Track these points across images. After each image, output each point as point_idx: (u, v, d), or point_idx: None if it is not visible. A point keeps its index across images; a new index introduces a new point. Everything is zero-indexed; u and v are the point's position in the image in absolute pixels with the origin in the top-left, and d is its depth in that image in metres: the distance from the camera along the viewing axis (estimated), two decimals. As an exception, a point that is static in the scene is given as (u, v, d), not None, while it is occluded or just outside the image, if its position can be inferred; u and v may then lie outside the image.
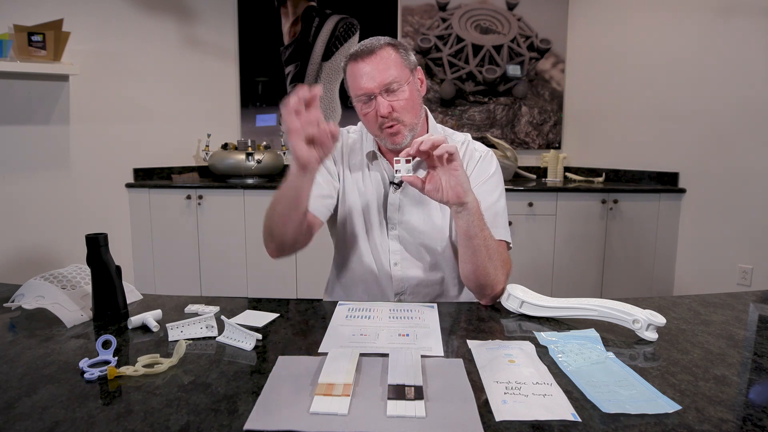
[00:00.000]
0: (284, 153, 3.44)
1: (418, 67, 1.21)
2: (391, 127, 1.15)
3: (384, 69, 1.12)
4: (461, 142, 1.29)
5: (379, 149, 1.27)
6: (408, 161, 0.98)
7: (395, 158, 0.99)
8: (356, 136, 1.32)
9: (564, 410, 0.68)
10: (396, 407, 0.68)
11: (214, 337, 0.93)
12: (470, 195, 1.01)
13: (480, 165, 1.25)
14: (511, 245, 1.23)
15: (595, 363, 0.82)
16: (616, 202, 2.97)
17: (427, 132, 1.26)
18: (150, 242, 3.15)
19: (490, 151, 1.29)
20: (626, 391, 0.73)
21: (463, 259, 1.10)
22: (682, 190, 2.99)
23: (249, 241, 3.11)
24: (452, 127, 3.66)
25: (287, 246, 1.15)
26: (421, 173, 1.04)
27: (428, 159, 0.99)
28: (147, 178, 3.28)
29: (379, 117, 1.13)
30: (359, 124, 1.32)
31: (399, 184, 1.25)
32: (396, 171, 0.98)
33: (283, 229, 1.09)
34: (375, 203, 1.26)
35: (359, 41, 1.38)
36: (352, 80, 1.15)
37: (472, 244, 1.06)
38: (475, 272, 1.09)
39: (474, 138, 1.33)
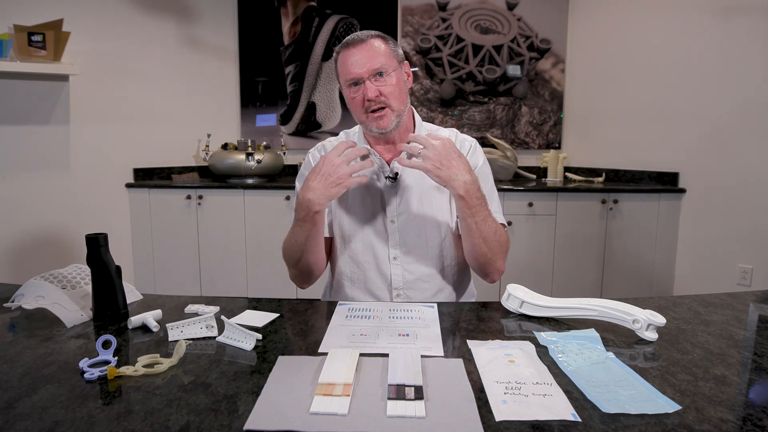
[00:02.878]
0: (284, 153, 3.44)
1: (406, 62, 1.26)
2: (378, 111, 1.19)
3: (373, 56, 1.16)
4: (447, 134, 1.33)
5: (368, 143, 1.29)
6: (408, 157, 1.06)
7: (397, 159, 1.05)
8: (337, 143, 1.34)
9: (564, 410, 0.68)
10: (396, 407, 0.68)
11: (214, 337, 0.93)
12: (471, 174, 1.11)
13: (471, 154, 1.30)
14: (506, 226, 1.30)
15: (595, 363, 0.82)
16: (616, 202, 2.97)
17: (414, 129, 1.31)
18: (150, 242, 3.15)
19: (476, 141, 1.36)
20: (626, 391, 0.73)
21: (464, 236, 1.21)
22: (682, 190, 2.99)
23: (249, 241, 3.11)
24: (452, 127, 3.64)
25: (316, 273, 1.29)
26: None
27: None
28: (147, 178, 3.28)
29: (366, 101, 1.17)
30: (342, 133, 1.37)
31: (394, 177, 1.26)
32: (396, 168, 1.07)
33: (313, 260, 1.23)
34: (370, 199, 1.27)
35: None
36: (342, 66, 1.19)
37: (471, 224, 1.15)
38: (479, 254, 1.19)
39: (474, 138, 1.37)
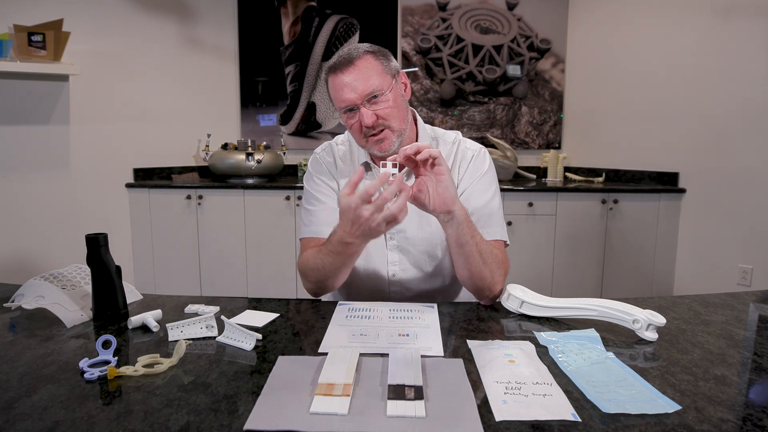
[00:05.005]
0: (284, 153, 3.44)
1: (401, 72, 1.19)
2: (378, 134, 1.13)
3: (365, 79, 1.09)
4: (452, 141, 1.26)
5: (371, 159, 1.25)
6: (394, 165, 0.94)
7: (381, 162, 0.95)
8: (345, 147, 1.30)
9: (564, 410, 0.68)
10: (396, 407, 0.68)
11: (214, 337, 0.93)
12: (457, 203, 1.00)
13: (473, 164, 1.23)
14: (508, 243, 1.22)
15: (595, 363, 0.82)
16: (616, 202, 2.97)
17: (417, 134, 1.25)
18: (150, 242, 3.15)
19: (483, 148, 1.27)
20: (626, 391, 0.73)
21: (457, 266, 1.11)
22: (682, 190, 2.99)
23: (249, 241, 3.11)
24: (452, 127, 3.63)
25: (336, 287, 1.18)
26: (409, 183, 1.01)
27: (414, 168, 0.98)
28: (147, 178, 3.28)
29: (364, 127, 1.11)
30: (347, 133, 1.32)
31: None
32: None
33: (335, 283, 1.13)
34: None
35: (358, 41, 1.34)
36: (334, 92, 1.13)
37: (463, 252, 1.06)
38: (471, 278, 1.09)
39: (474, 138, 1.32)
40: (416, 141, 1.24)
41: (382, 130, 1.12)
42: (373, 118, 1.10)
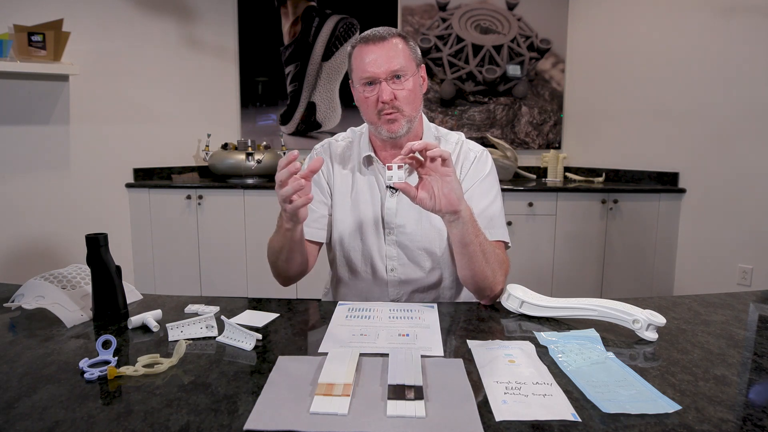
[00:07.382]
0: (284, 153, 3.44)
1: (422, 65, 1.21)
2: (390, 113, 1.14)
3: (393, 56, 1.12)
4: (455, 142, 1.27)
5: (375, 153, 1.25)
6: (400, 167, 0.95)
7: (387, 165, 0.96)
8: (345, 143, 1.30)
9: (564, 410, 0.68)
10: (396, 407, 0.68)
11: (214, 337, 0.93)
12: (463, 203, 1.00)
13: (475, 166, 1.24)
14: (509, 244, 1.23)
15: (595, 363, 0.82)
16: (616, 202, 2.97)
17: (422, 131, 1.26)
18: (150, 242, 3.15)
19: (485, 150, 1.28)
20: (626, 391, 0.73)
21: (460, 266, 1.11)
22: (682, 190, 2.99)
23: (249, 241, 3.11)
24: (452, 127, 3.63)
25: (294, 278, 1.22)
26: (414, 181, 1.01)
27: (420, 168, 0.98)
28: (147, 178, 3.28)
29: (380, 103, 1.13)
30: (349, 130, 1.32)
31: (396, 188, 1.21)
32: (388, 178, 0.95)
33: (288, 267, 1.17)
34: (371, 209, 1.24)
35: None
36: (359, 63, 1.14)
37: (467, 251, 1.06)
38: (473, 277, 1.10)
39: (474, 138, 1.32)
40: (421, 138, 1.25)
41: (394, 112, 1.14)
42: (391, 95, 1.12)
